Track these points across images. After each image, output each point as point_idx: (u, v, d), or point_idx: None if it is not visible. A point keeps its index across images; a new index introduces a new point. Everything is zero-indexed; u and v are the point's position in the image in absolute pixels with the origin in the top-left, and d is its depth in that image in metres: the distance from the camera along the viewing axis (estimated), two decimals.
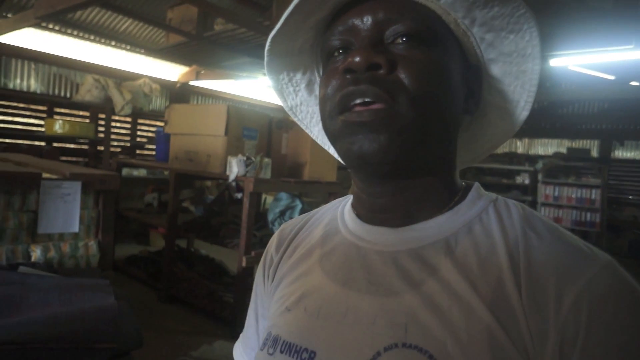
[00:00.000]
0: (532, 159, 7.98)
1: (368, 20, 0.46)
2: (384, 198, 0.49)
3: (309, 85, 0.59)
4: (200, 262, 3.84)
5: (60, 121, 4.73)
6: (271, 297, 0.57)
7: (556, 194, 6.66)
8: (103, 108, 5.15)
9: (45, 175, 1.68)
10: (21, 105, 5.09)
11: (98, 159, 5.31)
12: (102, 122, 5.28)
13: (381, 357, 0.42)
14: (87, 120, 5.41)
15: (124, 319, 1.31)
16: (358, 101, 0.44)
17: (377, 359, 0.42)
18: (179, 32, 4.46)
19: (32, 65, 5.13)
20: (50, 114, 5.21)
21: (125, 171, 4.93)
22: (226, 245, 3.19)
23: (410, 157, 0.46)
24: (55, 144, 5.06)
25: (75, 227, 1.71)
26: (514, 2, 0.44)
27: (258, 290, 0.62)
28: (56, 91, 5.36)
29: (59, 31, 5.10)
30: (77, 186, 1.70)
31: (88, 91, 5.00)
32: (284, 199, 3.39)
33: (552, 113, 8.10)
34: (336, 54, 0.49)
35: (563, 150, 8.13)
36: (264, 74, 0.58)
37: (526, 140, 8.77)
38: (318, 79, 0.58)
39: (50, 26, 5.02)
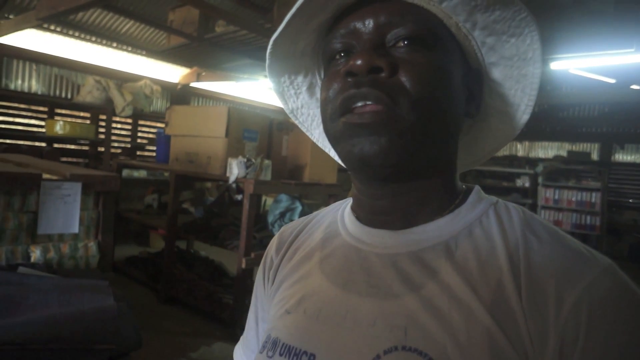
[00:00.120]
0: (533, 162, 7.98)
1: (370, 23, 0.46)
2: (384, 200, 0.49)
3: (310, 88, 0.59)
4: (200, 264, 3.84)
5: (61, 122, 4.73)
6: (271, 299, 0.57)
7: (556, 197, 6.66)
8: (104, 109, 5.16)
9: (45, 176, 1.68)
10: (22, 106, 5.10)
11: (98, 160, 5.32)
12: (103, 123, 5.28)
13: (381, 359, 0.42)
14: (88, 122, 5.41)
15: (123, 320, 1.31)
16: (359, 104, 0.44)
17: None
18: (180, 33, 4.47)
19: (34, 66, 5.14)
20: (51, 115, 5.21)
21: (125, 172, 4.94)
22: (226, 246, 3.19)
23: (411, 160, 0.46)
24: (55, 145, 5.06)
25: (75, 228, 1.71)
26: (516, 6, 0.44)
27: (258, 293, 0.62)
28: (57, 92, 5.37)
29: (60, 32, 5.11)
30: (77, 187, 1.70)
31: (89, 92, 5.01)
32: (284, 200, 3.39)
33: (553, 116, 8.11)
34: (338, 57, 0.49)
35: (563, 153, 8.14)
36: (265, 76, 0.57)
37: (527, 143, 8.77)
38: (319, 82, 0.58)
39: (52, 27, 5.03)
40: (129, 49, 5.70)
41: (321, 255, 0.54)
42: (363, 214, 0.53)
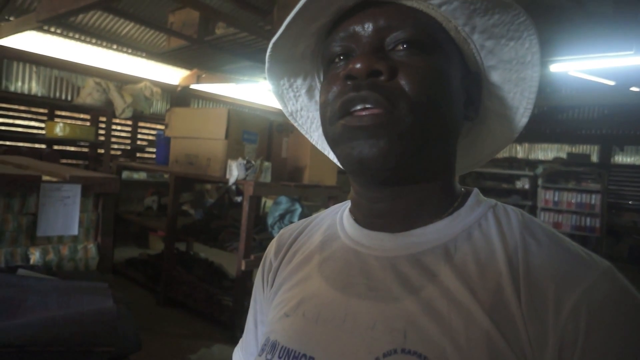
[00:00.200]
0: (532, 164, 7.98)
1: (369, 27, 0.46)
2: (383, 203, 0.49)
3: (310, 91, 0.59)
4: (200, 266, 3.83)
5: (61, 124, 4.74)
6: (270, 302, 0.57)
7: (556, 198, 6.66)
8: (104, 111, 5.16)
9: (45, 178, 1.68)
10: (22, 108, 5.10)
11: (98, 161, 5.32)
12: (103, 125, 5.28)
13: None
14: (88, 123, 5.42)
15: (123, 322, 1.31)
16: (358, 107, 0.44)
17: None
18: (180, 36, 4.47)
19: (34, 68, 5.14)
20: (51, 116, 5.22)
21: (125, 174, 4.94)
22: (225, 248, 3.18)
23: (410, 163, 0.46)
24: (55, 147, 5.06)
25: (75, 230, 1.71)
26: (515, 10, 0.44)
27: (257, 295, 0.62)
28: (57, 94, 5.37)
29: (60, 34, 5.12)
30: (76, 189, 1.70)
31: (89, 94, 5.01)
32: (284, 202, 3.39)
33: (553, 118, 8.12)
34: (337, 60, 0.49)
35: (563, 155, 8.14)
36: (265, 78, 0.57)
37: (526, 145, 8.78)
38: (318, 85, 0.59)
39: (52, 29, 5.04)
40: (129, 51, 5.71)
41: (320, 258, 0.54)
42: (361, 217, 0.53)
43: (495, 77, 0.51)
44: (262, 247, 3.01)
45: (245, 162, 2.93)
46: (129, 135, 6.18)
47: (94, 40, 5.36)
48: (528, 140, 8.56)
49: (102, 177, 1.88)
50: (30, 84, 5.14)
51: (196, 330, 3.13)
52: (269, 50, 0.51)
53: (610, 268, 0.42)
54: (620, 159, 7.91)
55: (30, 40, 4.91)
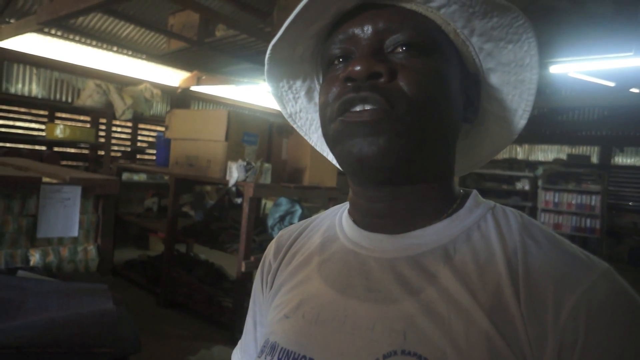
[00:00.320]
0: (532, 165, 7.98)
1: (368, 29, 0.46)
2: (382, 203, 0.49)
3: (309, 93, 0.59)
4: (200, 267, 3.83)
5: (61, 126, 4.74)
6: (269, 304, 0.57)
7: (556, 200, 6.66)
8: (104, 113, 5.17)
9: (45, 179, 1.68)
10: (22, 109, 5.10)
11: (98, 163, 5.32)
12: (103, 127, 5.29)
13: None
14: (88, 125, 5.42)
15: (123, 324, 1.31)
16: (358, 108, 0.45)
17: None
18: (181, 38, 4.48)
19: (34, 70, 5.15)
20: (52, 118, 5.22)
21: (125, 176, 4.94)
22: (225, 250, 3.18)
23: (409, 163, 0.46)
24: (55, 149, 5.07)
25: (75, 232, 1.71)
26: (513, 13, 0.45)
27: (256, 297, 0.62)
28: (57, 96, 5.38)
29: (61, 37, 5.13)
30: (76, 191, 1.70)
31: (89, 96, 5.02)
32: (284, 204, 3.39)
33: (552, 119, 8.12)
34: (336, 62, 0.49)
35: (563, 156, 8.14)
36: (265, 80, 0.58)
37: (526, 146, 8.78)
38: (318, 87, 0.59)
39: (53, 32, 5.05)
40: (129, 52, 5.72)
41: (320, 259, 0.54)
42: (360, 218, 0.53)
43: (494, 79, 0.51)
44: (262, 249, 3.00)
45: (245, 163, 2.94)
46: (129, 137, 6.18)
47: (94, 43, 5.37)
48: (528, 141, 8.56)
49: (102, 178, 1.88)
50: (30, 85, 5.15)
51: (196, 331, 3.13)
52: (268, 52, 0.52)
53: (609, 269, 0.42)
54: (620, 160, 7.91)
55: (30, 43, 4.92)
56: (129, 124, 6.03)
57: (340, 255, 0.52)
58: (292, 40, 0.50)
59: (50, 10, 3.42)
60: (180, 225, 3.57)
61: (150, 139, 6.31)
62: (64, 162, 5.07)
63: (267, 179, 3.06)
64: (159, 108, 6.41)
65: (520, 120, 0.52)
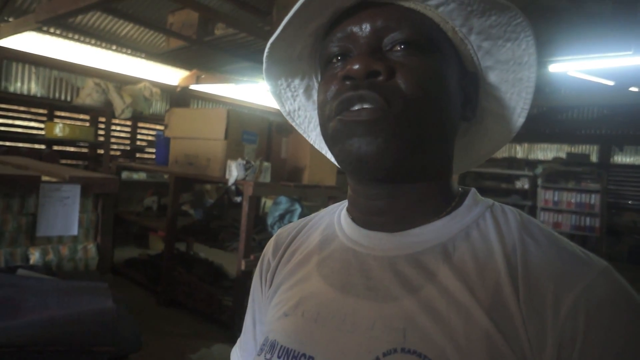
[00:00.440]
0: (532, 164, 7.98)
1: (367, 27, 0.46)
2: (380, 201, 0.50)
3: (307, 91, 0.59)
4: (200, 266, 3.83)
5: (61, 124, 4.74)
6: (269, 302, 0.57)
7: (556, 198, 6.66)
8: (103, 111, 5.16)
9: (44, 178, 1.68)
10: (22, 108, 5.09)
11: (98, 162, 5.32)
12: (102, 126, 5.29)
13: None
14: (87, 124, 5.42)
15: (123, 322, 1.31)
16: (356, 107, 0.45)
17: None
18: (180, 36, 4.48)
19: (33, 69, 5.14)
20: (51, 117, 5.22)
21: (125, 174, 4.94)
22: (225, 248, 3.19)
23: (407, 161, 0.46)
24: (55, 147, 5.06)
25: (74, 230, 1.71)
26: (511, 11, 0.45)
27: (255, 295, 0.62)
28: (57, 95, 5.37)
29: (60, 35, 5.12)
30: (76, 189, 1.70)
31: (88, 95, 5.02)
32: (284, 202, 3.39)
33: (552, 118, 8.12)
34: (335, 60, 0.49)
35: (562, 155, 8.14)
36: (264, 78, 0.58)
37: (526, 145, 8.78)
38: (316, 85, 0.59)
39: (52, 30, 5.04)
40: (129, 51, 5.71)
41: (319, 258, 0.54)
42: (359, 215, 0.53)
43: (493, 77, 0.51)
44: (262, 247, 2.99)
45: (244, 162, 2.94)
46: (128, 135, 6.18)
47: (93, 41, 5.36)
48: (527, 140, 8.56)
49: (101, 177, 1.88)
50: (29, 84, 5.14)
51: (196, 330, 3.13)
52: (266, 50, 0.52)
53: (608, 267, 0.42)
54: (620, 158, 7.92)
55: (29, 41, 4.91)
56: (129, 123, 6.02)
57: (340, 254, 0.52)
58: (290, 39, 0.50)
59: (49, 9, 3.41)
60: (180, 224, 3.57)
61: (150, 138, 6.31)
62: (64, 161, 5.07)
63: (266, 178, 3.06)
64: (158, 107, 6.40)
65: (519, 119, 0.52)
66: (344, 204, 0.58)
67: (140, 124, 6.24)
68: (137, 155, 6.17)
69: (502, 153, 8.70)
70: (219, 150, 3.16)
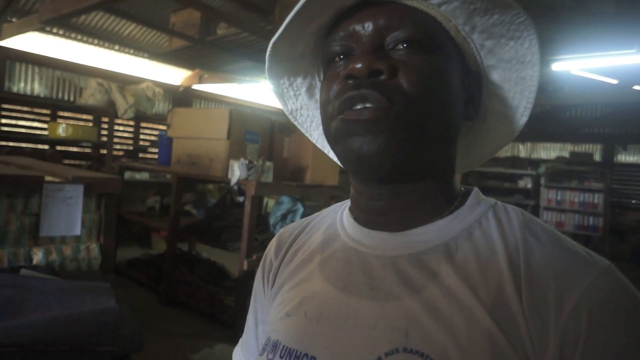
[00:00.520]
0: (535, 163, 7.96)
1: (369, 26, 0.46)
2: (382, 201, 0.49)
3: (310, 90, 0.59)
4: (202, 266, 3.84)
5: (64, 125, 4.76)
6: (271, 302, 0.57)
7: (559, 198, 6.63)
8: (106, 112, 5.17)
9: (47, 178, 1.69)
10: (25, 108, 5.12)
11: (101, 162, 5.33)
12: (105, 126, 5.30)
13: None
14: (90, 124, 5.43)
15: (125, 322, 1.31)
16: (359, 106, 0.44)
17: None
18: (182, 36, 4.49)
19: (36, 69, 5.16)
20: (54, 117, 5.24)
21: (127, 174, 4.95)
22: (228, 248, 3.19)
23: (409, 160, 0.46)
24: (58, 148, 5.08)
25: (77, 230, 1.72)
26: (514, 9, 0.44)
27: (257, 295, 0.62)
28: (60, 95, 5.39)
29: (63, 35, 5.14)
30: (79, 189, 1.71)
31: (91, 95, 5.03)
32: (286, 202, 3.39)
33: (555, 117, 8.10)
34: (337, 59, 0.49)
35: (566, 154, 8.12)
36: (266, 78, 0.58)
37: (529, 144, 8.76)
38: (318, 84, 0.59)
39: (55, 30, 5.06)
40: (131, 51, 5.72)
41: (321, 257, 0.54)
42: (361, 215, 0.53)
43: (495, 76, 0.51)
44: (264, 247, 2.97)
45: (247, 162, 2.94)
46: (131, 135, 6.19)
47: (96, 41, 5.38)
48: (530, 139, 8.54)
49: (104, 177, 1.88)
50: (32, 84, 5.16)
51: (198, 330, 3.14)
52: (268, 49, 0.52)
53: (611, 267, 0.42)
54: (623, 158, 7.88)
55: (32, 41, 4.93)
56: (131, 123, 6.04)
57: (342, 254, 0.52)
58: (292, 38, 0.50)
59: (52, 9, 3.42)
60: (182, 224, 3.57)
61: (153, 138, 6.33)
62: (67, 161, 5.09)
63: (269, 178, 3.06)
64: (160, 107, 6.41)
65: (522, 118, 0.52)
66: (346, 203, 0.58)
67: (143, 124, 6.26)
68: (140, 155, 6.19)
69: (505, 152, 8.68)
70: (221, 150, 3.16)
